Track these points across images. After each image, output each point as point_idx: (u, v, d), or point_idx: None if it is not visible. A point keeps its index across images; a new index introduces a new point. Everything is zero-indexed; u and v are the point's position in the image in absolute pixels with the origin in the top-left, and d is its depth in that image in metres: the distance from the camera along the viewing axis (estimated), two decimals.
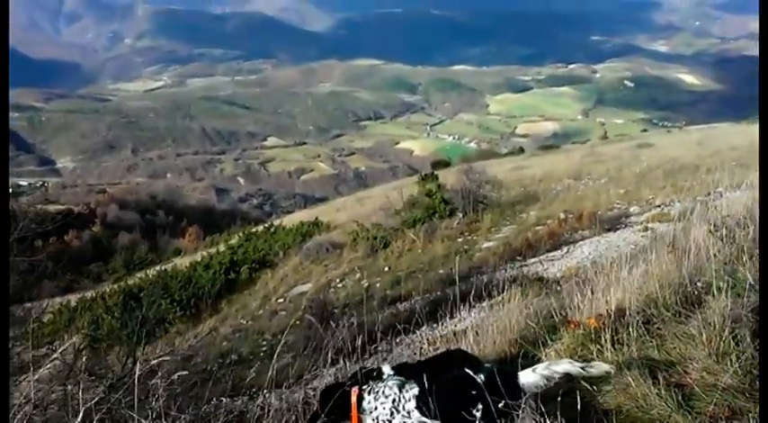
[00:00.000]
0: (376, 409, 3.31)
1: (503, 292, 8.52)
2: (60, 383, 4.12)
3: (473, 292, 7.63)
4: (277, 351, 4.91)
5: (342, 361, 5.36)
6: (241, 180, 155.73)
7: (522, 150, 59.68)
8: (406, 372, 3.67)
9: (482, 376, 3.14)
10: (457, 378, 3.15)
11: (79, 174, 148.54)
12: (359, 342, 5.63)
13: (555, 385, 3.25)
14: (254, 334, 14.48)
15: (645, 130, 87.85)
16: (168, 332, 16.46)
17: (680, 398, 3.17)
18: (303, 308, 14.43)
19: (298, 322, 13.84)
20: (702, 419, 2.98)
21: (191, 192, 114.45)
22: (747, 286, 3.83)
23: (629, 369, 3.42)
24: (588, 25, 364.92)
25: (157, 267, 24.25)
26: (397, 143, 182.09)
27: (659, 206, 14.40)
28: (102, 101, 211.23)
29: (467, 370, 3.18)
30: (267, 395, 7.81)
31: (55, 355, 4.10)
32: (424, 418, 3.20)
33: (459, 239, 17.82)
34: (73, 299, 22.68)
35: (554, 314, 4.71)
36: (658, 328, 4.00)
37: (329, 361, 5.65)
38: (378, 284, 15.01)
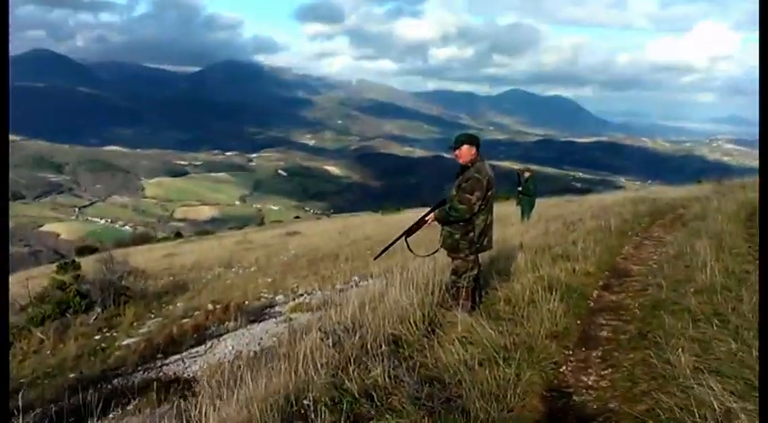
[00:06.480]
0: None
1: (136, 398, 7.72)
2: None
3: (103, 399, 6.72)
4: None
5: None
6: None
7: (179, 235, 58.33)
8: None
9: None
10: None
11: None
12: None
13: None
14: None
15: (298, 217, 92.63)
16: None
17: None
18: None
19: None
20: None
21: None
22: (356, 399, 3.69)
23: None
24: (243, 116, 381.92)
25: None
26: (40, 226, 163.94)
27: (302, 295, 14.78)
28: None
29: None
30: None
31: None
32: None
33: (97, 336, 16.15)
34: None
35: None
36: None
37: None
38: None
